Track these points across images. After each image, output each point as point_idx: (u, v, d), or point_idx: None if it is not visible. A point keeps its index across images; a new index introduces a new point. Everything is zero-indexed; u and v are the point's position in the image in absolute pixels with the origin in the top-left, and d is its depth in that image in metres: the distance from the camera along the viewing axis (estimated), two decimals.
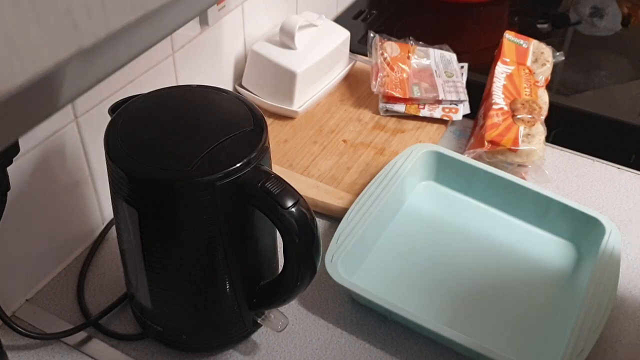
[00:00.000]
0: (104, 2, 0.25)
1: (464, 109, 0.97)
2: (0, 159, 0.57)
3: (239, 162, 0.55)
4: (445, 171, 0.86)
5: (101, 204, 0.79)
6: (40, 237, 0.71)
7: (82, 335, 0.69)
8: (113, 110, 0.62)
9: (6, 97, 0.23)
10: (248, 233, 0.61)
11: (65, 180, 0.72)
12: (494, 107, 0.91)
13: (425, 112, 0.96)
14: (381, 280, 0.74)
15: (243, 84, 0.99)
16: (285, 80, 0.94)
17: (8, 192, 0.60)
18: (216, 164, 0.55)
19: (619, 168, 0.92)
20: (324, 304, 0.73)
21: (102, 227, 0.80)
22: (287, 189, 0.56)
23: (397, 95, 0.96)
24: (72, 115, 0.70)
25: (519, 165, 0.86)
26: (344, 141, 0.93)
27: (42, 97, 0.27)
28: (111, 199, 0.61)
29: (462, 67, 1.03)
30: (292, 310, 0.72)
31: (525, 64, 0.99)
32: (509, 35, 1.03)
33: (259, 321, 0.66)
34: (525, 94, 0.94)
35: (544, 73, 0.99)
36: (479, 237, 0.80)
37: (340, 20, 1.19)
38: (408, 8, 1.28)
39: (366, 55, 1.05)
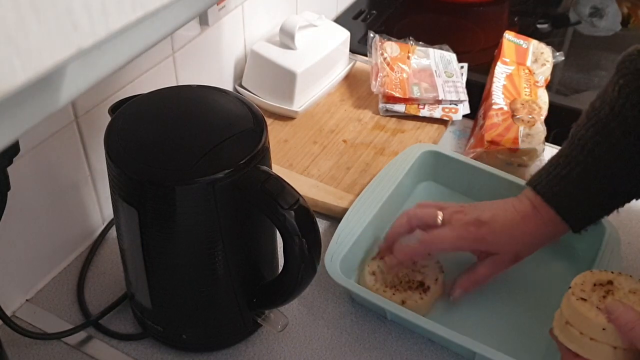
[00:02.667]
0: (104, 2, 0.25)
1: (464, 109, 0.97)
2: (1, 159, 0.57)
3: (239, 162, 0.55)
4: (445, 171, 0.86)
5: (101, 204, 0.79)
6: (40, 237, 0.71)
7: (82, 335, 0.69)
8: (113, 110, 0.62)
9: (6, 96, 0.23)
10: (248, 233, 0.61)
11: (65, 180, 0.72)
12: (494, 107, 0.91)
13: (425, 112, 0.96)
14: None
15: (243, 84, 0.99)
16: (285, 80, 0.94)
17: (8, 192, 0.60)
18: (216, 164, 0.55)
19: None
20: (324, 304, 0.73)
21: (102, 227, 0.80)
22: (287, 189, 0.56)
23: (397, 95, 0.96)
24: (72, 115, 0.70)
25: (519, 165, 0.86)
26: (344, 141, 0.93)
27: (42, 96, 0.27)
28: (111, 199, 0.61)
29: (462, 67, 1.03)
30: (292, 310, 0.72)
31: (525, 64, 0.99)
32: (508, 35, 1.03)
33: (259, 321, 0.66)
34: (525, 94, 0.94)
35: (543, 73, 0.99)
36: None
37: (340, 20, 1.19)
38: (408, 8, 1.28)
39: (366, 55, 1.05)
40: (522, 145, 0.85)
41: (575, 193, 0.68)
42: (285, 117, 0.96)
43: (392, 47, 1.02)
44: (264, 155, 0.58)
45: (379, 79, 0.97)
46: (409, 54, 1.02)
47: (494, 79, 0.95)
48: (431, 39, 1.07)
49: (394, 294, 0.70)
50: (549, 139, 0.93)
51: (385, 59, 1.00)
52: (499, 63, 0.98)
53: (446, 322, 0.68)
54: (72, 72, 0.28)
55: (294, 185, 0.56)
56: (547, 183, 0.69)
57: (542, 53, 1.01)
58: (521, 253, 0.71)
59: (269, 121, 0.88)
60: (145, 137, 0.58)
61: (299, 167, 0.88)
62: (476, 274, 0.71)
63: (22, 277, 0.72)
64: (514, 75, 0.96)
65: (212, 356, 0.68)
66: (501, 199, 0.83)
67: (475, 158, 0.86)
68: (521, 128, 0.88)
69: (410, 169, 0.83)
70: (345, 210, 0.78)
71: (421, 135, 0.94)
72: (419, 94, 0.97)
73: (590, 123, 0.67)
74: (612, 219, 0.78)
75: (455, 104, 0.97)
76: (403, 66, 1.00)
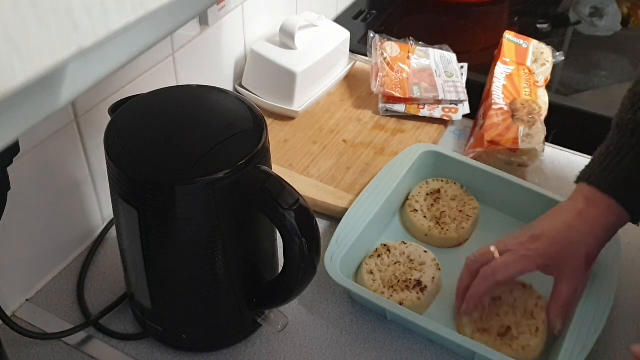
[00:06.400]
0: (104, 2, 0.25)
1: (464, 109, 0.97)
2: (1, 159, 0.57)
3: (239, 162, 0.55)
4: (445, 171, 0.85)
5: (101, 204, 0.79)
6: (40, 237, 0.71)
7: (82, 335, 0.69)
8: (113, 110, 0.62)
9: (6, 96, 0.23)
10: (248, 233, 0.61)
11: (65, 180, 0.72)
12: (494, 107, 0.91)
13: (425, 112, 0.96)
14: None
15: (243, 84, 0.99)
16: (285, 80, 0.94)
17: (8, 192, 0.60)
18: (216, 164, 0.55)
19: None
20: (324, 304, 0.73)
21: (102, 227, 0.80)
22: (287, 189, 0.56)
23: (397, 95, 0.96)
24: (72, 115, 0.70)
25: (519, 165, 0.86)
26: (344, 141, 0.93)
27: (42, 96, 0.27)
28: (111, 199, 0.61)
29: (462, 67, 1.03)
30: (292, 310, 0.72)
31: (525, 64, 0.99)
32: (509, 35, 1.03)
33: (259, 321, 0.66)
34: (525, 94, 0.94)
35: (543, 73, 0.99)
36: (478, 237, 0.80)
37: (340, 20, 1.19)
38: (408, 8, 1.28)
39: (366, 55, 1.05)
40: (522, 145, 0.85)
41: (631, 179, 0.66)
42: (285, 117, 0.96)
43: (392, 47, 1.02)
44: (264, 155, 0.58)
45: (379, 79, 0.97)
46: (409, 54, 1.02)
47: (494, 79, 0.95)
48: (431, 39, 1.07)
49: (392, 295, 0.70)
50: (549, 139, 0.93)
51: (385, 59, 1.00)
52: (499, 63, 0.98)
53: (446, 321, 0.68)
54: (72, 72, 0.28)
55: (294, 185, 0.56)
56: (600, 173, 0.67)
57: (542, 53, 1.01)
58: (590, 252, 0.67)
59: (269, 121, 0.88)
60: (145, 137, 0.58)
61: (299, 167, 0.88)
62: (560, 296, 0.67)
63: (22, 277, 0.72)
64: (514, 75, 0.96)
65: (212, 356, 0.68)
66: (501, 198, 0.83)
67: (475, 158, 0.86)
68: (521, 128, 0.88)
69: (410, 169, 0.83)
70: (345, 210, 0.78)
71: (421, 135, 0.94)
72: (419, 94, 0.97)
73: (636, 107, 0.66)
74: None
75: (455, 104, 0.97)
76: (403, 66, 1.00)
